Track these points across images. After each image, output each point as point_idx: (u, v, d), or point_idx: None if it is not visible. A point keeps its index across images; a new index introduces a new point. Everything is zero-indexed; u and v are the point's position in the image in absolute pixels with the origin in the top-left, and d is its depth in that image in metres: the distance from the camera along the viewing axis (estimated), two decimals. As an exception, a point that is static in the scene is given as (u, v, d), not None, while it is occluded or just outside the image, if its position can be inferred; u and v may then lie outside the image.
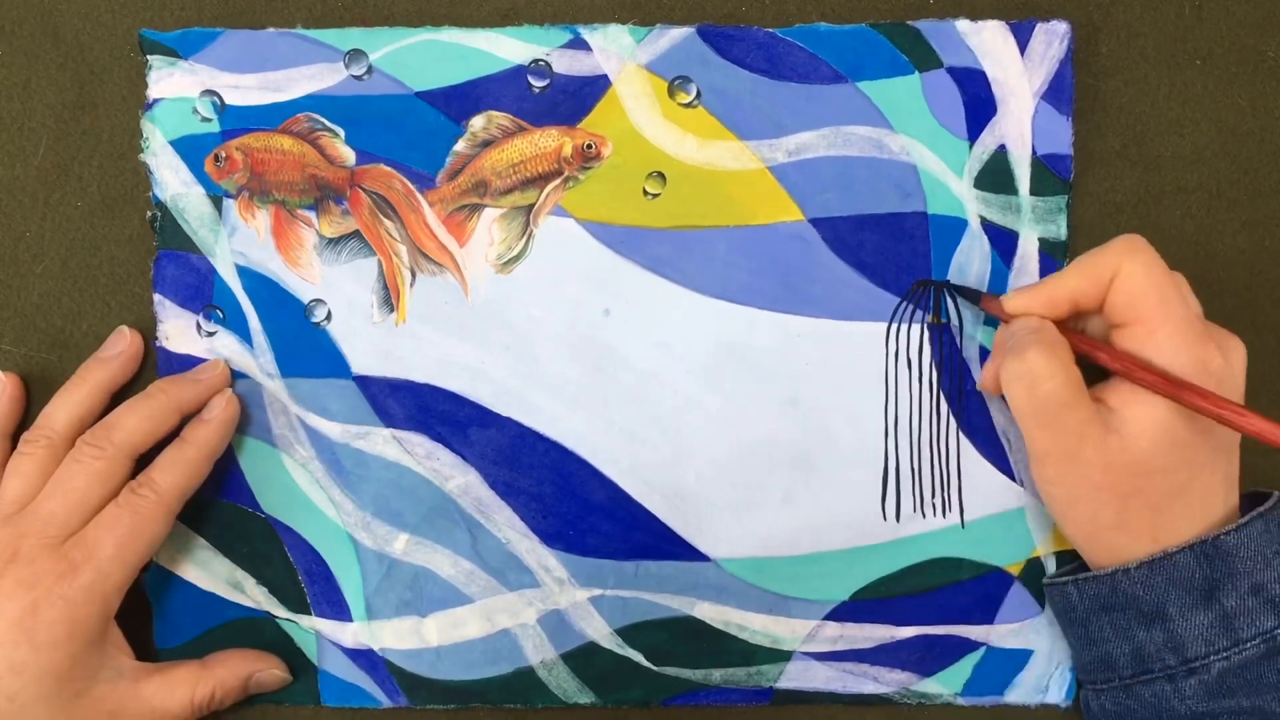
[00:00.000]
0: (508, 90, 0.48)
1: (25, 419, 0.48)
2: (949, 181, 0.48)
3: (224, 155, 0.48)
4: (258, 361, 0.48)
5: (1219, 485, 0.43)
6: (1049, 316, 0.44)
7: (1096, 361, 0.43)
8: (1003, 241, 0.48)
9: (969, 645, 0.48)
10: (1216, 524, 0.43)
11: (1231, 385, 0.43)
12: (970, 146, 0.48)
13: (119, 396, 0.47)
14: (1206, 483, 0.43)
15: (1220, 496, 0.44)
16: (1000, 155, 0.48)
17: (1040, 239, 0.48)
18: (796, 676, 0.48)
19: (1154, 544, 0.43)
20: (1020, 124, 0.47)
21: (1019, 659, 0.48)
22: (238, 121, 0.48)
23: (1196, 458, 0.42)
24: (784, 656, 0.48)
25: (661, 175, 0.48)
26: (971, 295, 0.47)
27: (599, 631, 0.48)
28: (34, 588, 0.42)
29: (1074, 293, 0.43)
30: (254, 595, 0.48)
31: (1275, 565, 0.42)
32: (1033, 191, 0.48)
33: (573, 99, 0.48)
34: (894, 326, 0.48)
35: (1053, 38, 0.47)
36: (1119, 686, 0.44)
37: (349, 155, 0.48)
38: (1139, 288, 0.42)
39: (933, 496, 0.48)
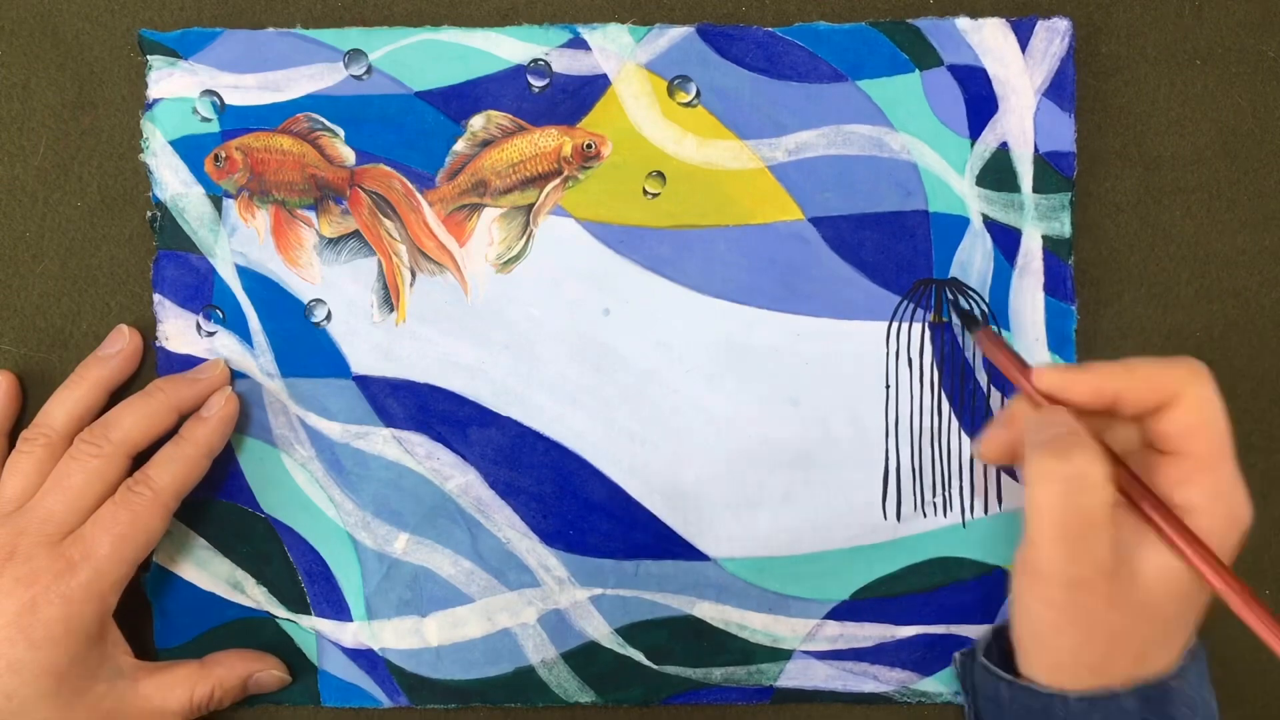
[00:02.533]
0: (507, 90, 0.48)
1: (24, 418, 0.48)
2: (950, 180, 0.48)
3: (224, 155, 0.48)
4: (257, 361, 0.48)
5: (1191, 633, 0.41)
6: (1081, 406, 0.39)
7: (1131, 504, 0.39)
8: (1006, 239, 0.48)
9: (969, 645, 0.48)
10: (1171, 662, 0.40)
11: (1242, 542, 0.39)
12: (972, 144, 0.48)
13: (118, 396, 0.47)
14: (1188, 632, 0.40)
15: (1185, 643, 0.41)
16: (1002, 153, 0.48)
17: (1044, 236, 0.48)
18: (796, 675, 0.48)
19: (1096, 677, 0.39)
20: (1022, 121, 0.47)
21: (1020, 659, 0.48)
22: (237, 121, 0.48)
23: (1192, 611, 0.40)
24: (784, 655, 0.48)
25: (661, 175, 0.48)
26: (969, 321, 0.45)
27: (599, 631, 0.48)
28: (32, 585, 0.42)
29: (1122, 395, 0.39)
30: (254, 595, 0.48)
31: (1201, 711, 0.40)
32: (1035, 189, 0.47)
33: (572, 98, 0.48)
34: (893, 325, 0.48)
35: (1054, 34, 0.47)
36: None
37: (349, 155, 0.48)
38: (1204, 423, 0.38)
39: (933, 496, 0.48)
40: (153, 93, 0.48)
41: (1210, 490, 0.38)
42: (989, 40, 0.47)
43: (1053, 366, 0.41)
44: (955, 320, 0.47)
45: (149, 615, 0.48)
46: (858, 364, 0.48)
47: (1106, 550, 0.37)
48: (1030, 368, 0.41)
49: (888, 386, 0.48)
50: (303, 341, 0.48)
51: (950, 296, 0.48)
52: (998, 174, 0.48)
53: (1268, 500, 0.49)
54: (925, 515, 0.48)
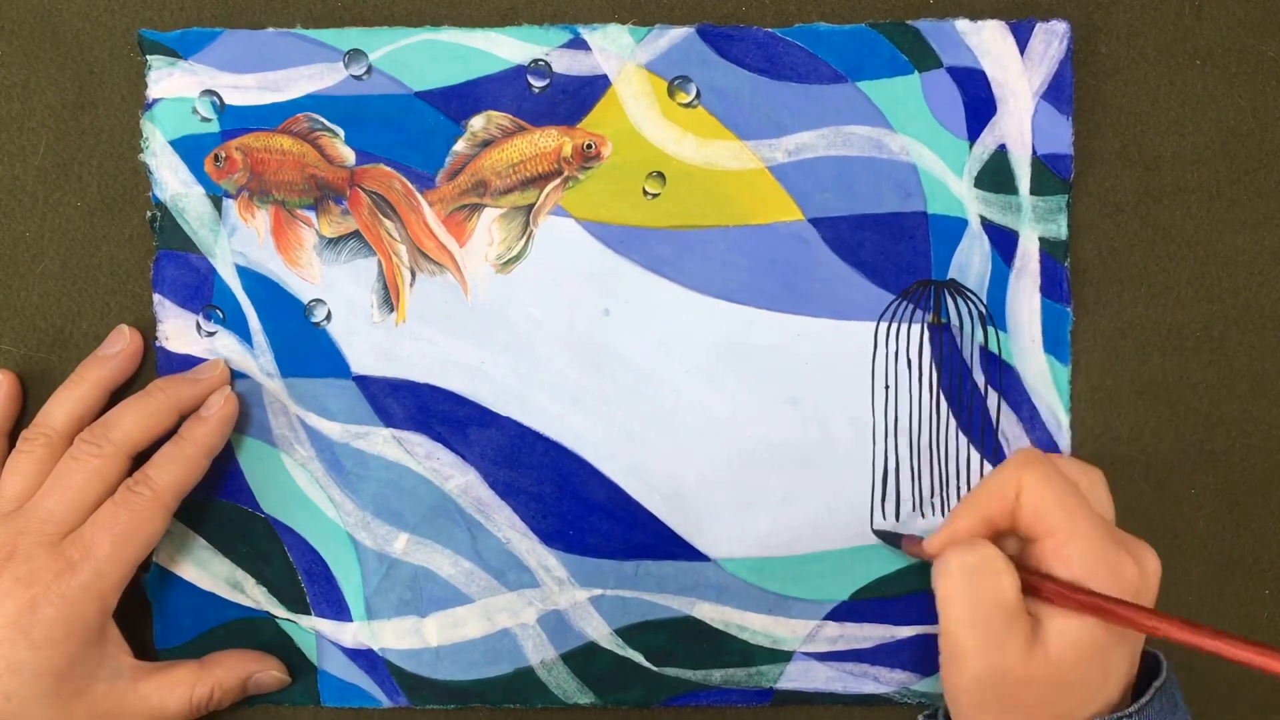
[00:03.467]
0: (507, 90, 0.48)
1: (24, 418, 0.48)
2: (949, 181, 0.48)
3: (224, 155, 0.48)
4: (257, 361, 0.48)
5: (1125, 675, 0.41)
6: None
7: (1026, 586, 0.41)
8: (1003, 241, 0.48)
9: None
10: (1114, 703, 0.41)
11: (1146, 593, 0.41)
12: (970, 146, 0.48)
13: (118, 396, 0.47)
14: (1117, 678, 0.41)
15: (1123, 683, 0.41)
16: (1000, 155, 0.48)
17: (1041, 238, 0.48)
18: (797, 677, 0.48)
19: None
20: (1020, 123, 0.47)
21: (1019, 659, 0.48)
22: (237, 121, 0.48)
23: (1112, 661, 0.40)
24: (784, 657, 0.48)
25: (661, 175, 0.48)
26: (891, 540, 0.47)
27: (599, 631, 0.48)
28: (31, 586, 0.42)
29: (986, 514, 0.41)
30: (254, 595, 0.48)
31: None
32: (1033, 191, 0.48)
33: (572, 99, 0.48)
34: (892, 325, 0.48)
35: (1052, 37, 0.47)
36: None
37: (349, 155, 0.48)
38: (1042, 501, 0.40)
39: (932, 496, 0.48)
40: (153, 93, 0.48)
41: (1078, 557, 0.40)
42: (988, 42, 0.47)
43: (924, 537, 0.43)
44: (955, 311, 0.47)
45: (149, 615, 0.48)
46: (857, 364, 0.48)
47: (1014, 631, 0.39)
48: (919, 541, 0.44)
49: (887, 387, 0.48)
50: (303, 341, 0.48)
51: (950, 299, 0.48)
52: (996, 176, 0.48)
53: (1268, 500, 0.49)
54: (924, 515, 0.48)
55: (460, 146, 0.48)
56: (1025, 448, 0.42)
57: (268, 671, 0.47)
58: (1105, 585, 0.39)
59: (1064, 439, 0.48)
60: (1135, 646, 0.42)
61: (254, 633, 0.48)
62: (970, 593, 0.40)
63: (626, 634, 0.48)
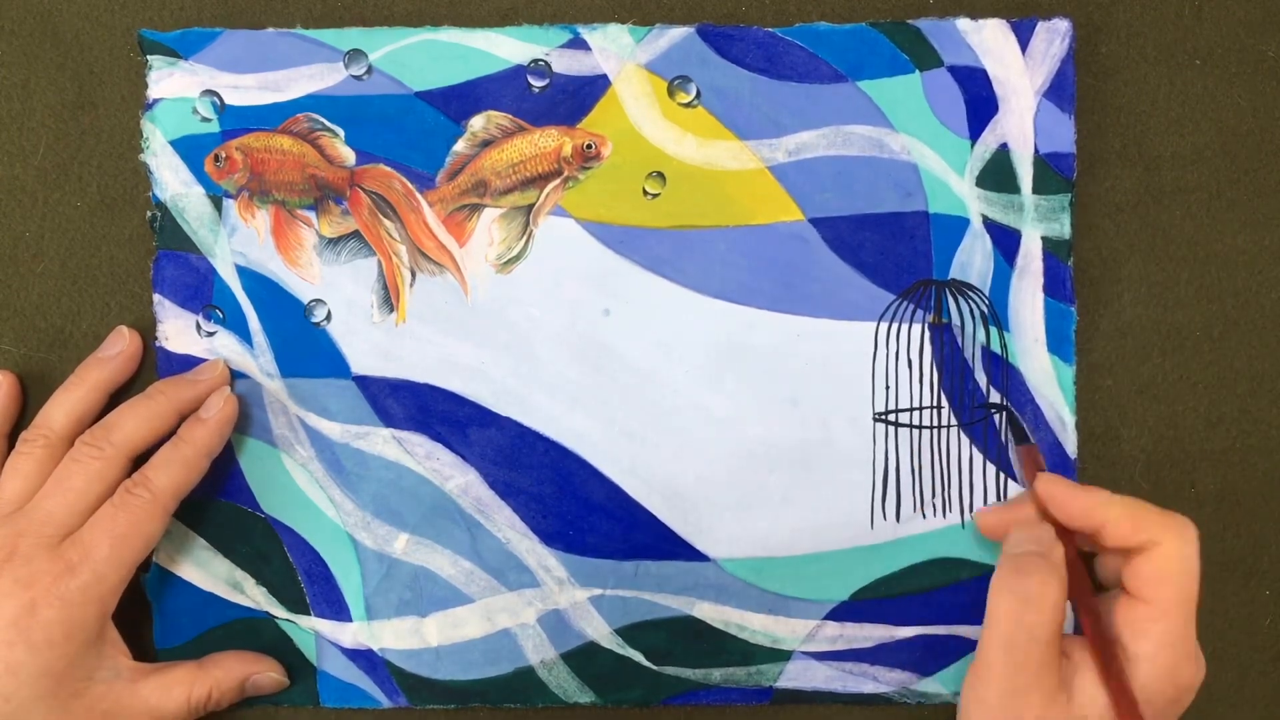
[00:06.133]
0: (507, 90, 0.48)
1: (24, 418, 0.48)
2: (950, 180, 0.48)
3: (224, 155, 0.48)
4: (257, 361, 0.48)
5: None
6: (1071, 525, 0.42)
7: (1081, 626, 0.41)
8: (1005, 240, 0.48)
9: (969, 645, 0.48)
10: None
11: (1180, 703, 0.41)
12: (972, 145, 0.48)
13: (118, 396, 0.47)
14: None
15: None
16: (1002, 154, 0.48)
17: (1044, 237, 0.48)
18: (796, 676, 0.48)
19: None
20: (1022, 122, 0.47)
21: (1020, 659, 0.48)
22: (237, 121, 0.48)
23: None
24: (784, 656, 0.48)
25: (661, 175, 0.48)
26: (1019, 434, 0.47)
27: (599, 631, 0.48)
28: (31, 587, 0.42)
29: (1110, 525, 0.41)
30: (253, 595, 0.48)
31: None
32: (1035, 190, 0.47)
33: (572, 99, 0.48)
34: (893, 326, 0.48)
35: (1054, 35, 0.47)
36: None
37: (349, 155, 0.48)
38: (1170, 574, 0.40)
39: (933, 496, 0.48)
40: (153, 93, 0.48)
41: (1159, 641, 0.40)
42: (989, 41, 0.47)
43: (1058, 479, 0.43)
44: (956, 311, 0.47)
45: (149, 616, 0.48)
46: (857, 364, 0.48)
47: (1047, 667, 0.39)
48: (1042, 470, 0.43)
49: (887, 387, 0.48)
50: (302, 341, 0.48)
51: (951, 298, 0.48)
52: (998, 175, 0.48)
53: (1268, 500, 0.49)
54: (925, 516, 0.48)
55: (460, 146, 0.48)
56: (1188, 521, 0.41)
57: (266, 673, 0.47)
58: (1157, 675, 0.39)
59: (1069, 440, 0.48)
60: None
61: (254, 633, 0.48)
62: (1015, 621, 0.40)
63: (626, 633, 0.48)
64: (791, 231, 0.48)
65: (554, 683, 0.48)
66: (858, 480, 0.48)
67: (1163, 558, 0.40)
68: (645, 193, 0.48)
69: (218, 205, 0.48)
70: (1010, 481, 0.48)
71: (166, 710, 0.45)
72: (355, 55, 0.48)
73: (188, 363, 0.48)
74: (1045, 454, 0.48)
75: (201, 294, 0.48)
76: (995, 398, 0.48)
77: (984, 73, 0.48)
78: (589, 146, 0.48)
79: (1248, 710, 0.49)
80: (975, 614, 0.48)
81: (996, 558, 0.47)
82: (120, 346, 0.47)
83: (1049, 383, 0.48)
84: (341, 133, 0.48)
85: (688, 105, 0.48)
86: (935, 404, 0.48)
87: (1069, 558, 0.42)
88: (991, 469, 0.48)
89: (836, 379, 0.48)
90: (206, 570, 0.48)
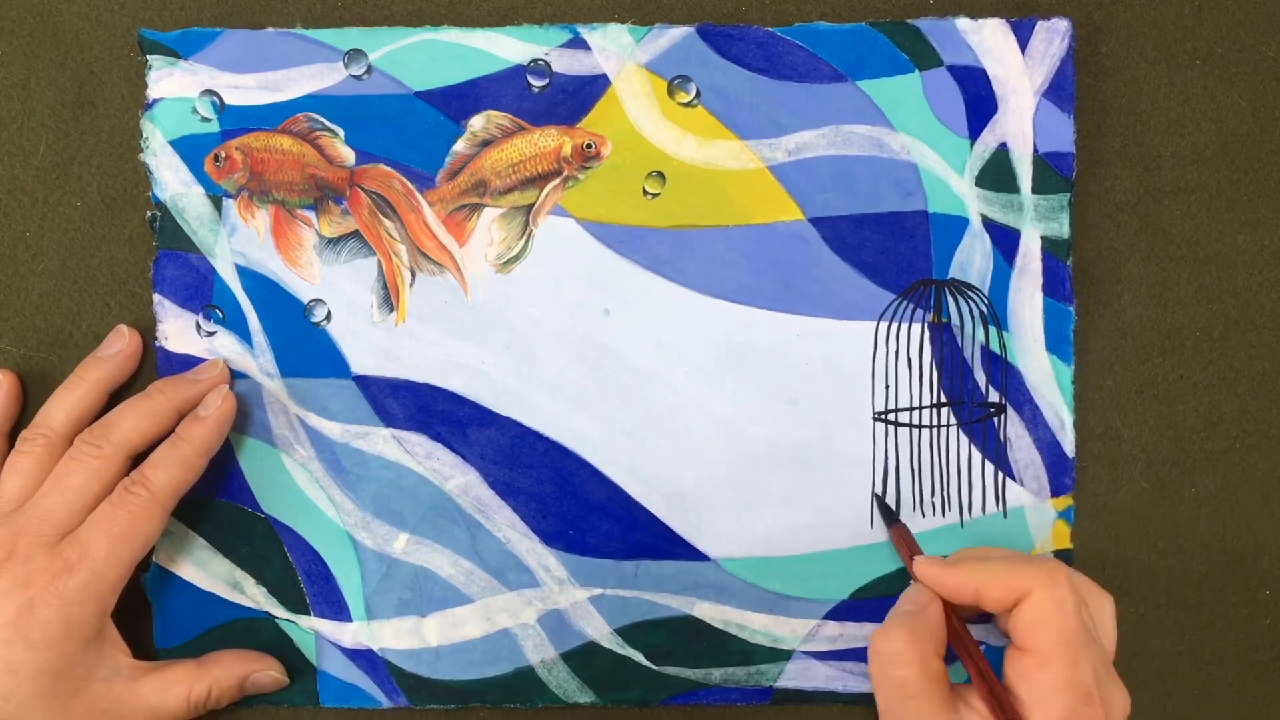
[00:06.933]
0: (507, 90, 0.48)
1: (24, 418, 0.48)
2: (950, 180, 0.48)
3: (224, 155, 0.48)
4: (257, 361, 0.48)
5: None
6: (955, 600, 0.43)
7: (965, 668, 0.42)
8: (1005, 240, 0.48)
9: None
10: None
11: None
12: (971, 145, 0.48)
13: (117, 396, 0.47)
14: None
15: None
16: (1001, 153, 0.48)
17: (1043, 237, 0.48)
18: (796, 676, 0.48)
19: None
20: (1021, 122, 0.47)
21: (1020, 659, 0.48)
22: (237, 121, 0.48)
23: None
24: (784, 656, 0.48)
25: (661, 175, 0.48)
26: (888, 515, 0.47)
27: (599, 631, 0.48)
28: (29, 586, 0.42)
29: (981, 590, 0.42)
30: (253, 595, 0.48)
31: None
32: (1034, 189, 0.48)
33: (572, 98, 0.48)
34: (892, 325, 0.48)
35: (1053, 35, 0.47)
36: None
37: (348, 155, 0.48)
38: (1044, 620, 0.40)
39: (932, 495, 0.48)
40: (153, 93, 0.48)
41: (1048, 687, 0.40)
42: (989, 41, 0.47)
43: (931, 561, 0.43)
44: (956, 311, 0.47)
45: (149, 615, 0.48)
46: (857, 364, 0.48)
47: (924, 716, 0.40)
48: (916, 556, 0.44)
49: (887, 387, 0.48)
50: (302, 341, 0.48)
51: (951, 298, 0.48)
52: (997, 174, 0.48)
53: (1268, 500, 0.49)
54: (924, 515, 0.48)
55: (460, 146, 0.48)
56: (1054, 562, 0.42)
57: (266, 671, 0.47)
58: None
59: (1068, 439, 0.48)
60: None
61: (253, 633, 0.48)
62: (881, 678, 0.42)
63: (626, 633, 0.48)
64: (791, 231, 0.48)
65: (554, 683, 0.48)
66: (857, 479, 0.48)
67: (1035, 606, 0.41)
68: (645, 192, 0.48)
69: (218, 205, 0.48)
70: (1009, 481, 0.48)
71: (166, 708, 0.45)
72: (355, 55, 0.48)
73: (188, 363, 0.48)
74: (1045, 453, 0.48)
75: (201, 294, 0.48)
76: (994, 397, 0.48)
77: (983, 72, 0.48)
78: (589, 146, 0.48)
79: (1248, 710, 0.49)
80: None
81: (996, 557, 0.48)
82: (120, 345, 0.47)
83: (1048, 382, 0.48)
84: (341, 133, 0.48)
85: (688, 105, 0.48)
86: (935, 403, 0.48)
87: (946, 612, 0.43)
88: (991, 468, 0.48)
89: (836, 379, 0.48)
90: (206, 570, 0.48)
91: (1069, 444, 0.48)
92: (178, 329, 0.48)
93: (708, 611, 0.48)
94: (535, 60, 0.48)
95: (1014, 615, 0.41)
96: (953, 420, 0.48)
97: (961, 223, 0.48)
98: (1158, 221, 0.49)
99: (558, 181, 0.48)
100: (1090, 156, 0.48)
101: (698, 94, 0.48)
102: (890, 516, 0.47)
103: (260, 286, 0.48)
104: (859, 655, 0.48)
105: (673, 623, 0.48)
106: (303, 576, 0.48)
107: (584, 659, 0.48)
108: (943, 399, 0.48)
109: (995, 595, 0.41)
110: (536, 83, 0.48)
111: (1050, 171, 0.47)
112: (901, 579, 0.48)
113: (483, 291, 0.48)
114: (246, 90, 0.48)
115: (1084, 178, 0.48)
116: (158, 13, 0.49)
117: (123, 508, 0.43)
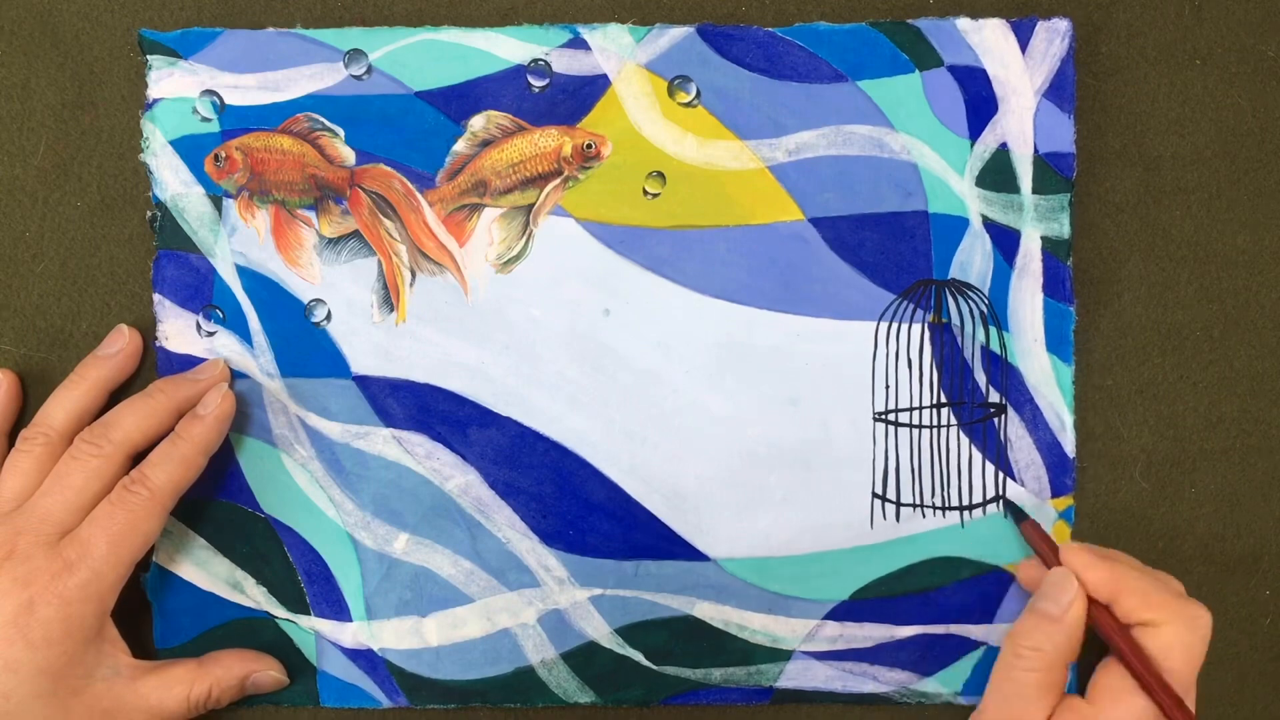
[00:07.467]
0: (507, 90, 0.48)
1: (24, 417, 0.48)
2: (950, 180, 0.48)
3: (224, 155, 0.48)
4: (257, 361, 0.48)
5: None
6: (1089, 592, 0.43)
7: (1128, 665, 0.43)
8: (1005, 240, 0.48)
9: (969, 644, 0.48)
10: None
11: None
12: (971, 145, 0.48)
13: (117, 395, 0.47)
14: None
15: None
16: (1002, 153, 0.48)
17: (1043, 237, 0.48)
18: (796, 676, 0.48)
19: None
20: (1022, 122, 0.47)
21: (1020, 659, 0.48)
22: (237, 121, 0.48)
23: None
24: (784, 656, 0.48)
25: (661, 175, 0.48)
26: (1017, 514, 0.47)
27: (599, 631, 0.48)
28: (29, 585, 0.42)
29: (1123, 595, 0.42)
30: (253, 595, 0.48)
31: None
32: (1035, 190, 0.48)
33: (572, 98, 0.48)
34: (893, 325, 0.48)
35: (1054, 35, 0.47)
36: None
37: (349, 155, 0.48)
38: (1168, 657, 0.41)
39: (932, 496, 0.48)
40: (153, 93, 0.48)
41: (1134, 712, 0.41)
42: (989, 41, 0.47)
43: (1082, 547, 0.44)
44: (956, 311, 0.47)
45: (149, 615, 0.48)
46: (857, 364, 0.48)
47: (1038, 710, 0.42)
48: (1066, 543, 0.45)
49: (887, 387, 0.48)
50: (303, 341, 0.48)
51: (951, 298, 0.48)
52: (997, 175, 0.48)
53: (1268, 500, 0.49)
54: (924, 515, 0.48)
55: (460, 146, 0.48)
56: (1201, 607, 0.42)
57: (266, 671, 0.47)
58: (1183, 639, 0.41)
59: (1068, 439, 0.48)
60: None
61: (253, 633, 0.48)
62: (1006, 670, 0.42)
63: (626, 633, 0.48)
64: (791, 231, 0.48)
65: (554, 682, 0.48)
66: (857, 480, 0.48)
67: (1165, 640, 0.42)
68: (645, 192, 0.48)
69: (218, 205, 0.48)
70: (1010, 482, 0.48)
71: (166, 708, 0.45)
72: (355, 55, 0.48)
73: (188, 363, 0.48)
74: (1045, 454, 0.48)
75: (201, 294, 0.48)
76: (995, 397, 0.48)
77: (984, 72, 0.48)
78: (589, 146, 0.48)
79: (1248, 710, 0.49)
80: (975, 613, 0.48)
81: (996, 558, 0.48)
82: (120, 345, 0.47)
83: (1048, 382, 0.48)
84: (341, 132, 0.48)
85: (688, 105, 0.48)
86: (935, 403, 0.48)
87: (1103, 612, 0.43)
88: (991, 469, 0.48)
89: (836, 379, 0.48)
90: (206, 570, 0.48)
91: (1069, 444, 0.48)
92: (178, 329, 0.48)
93: (708, 611, 0.48)
94: (535, 60, 0.48)
95: (1139, 633, 0.42)
96: (953, 420, 0.48)
97: (962, 223, 0.48)
98: (1158, 221, 0.49)
99: (558, 181, 0.48)
100: (1090, 156, 0.48)
101: (698, 94, 0.48)
102: (1020, 515, 0.47)
103: (260, 286, 0.48)
104: (859, 655, 0.48)
105: (673, 623, 0.48)
106: (303, 576, 0.48)
107: (584, 659, 0.48)
108: (943, 399, 0.48)
109: (1131, 606, 0.42)
110: (537, 83, 0.48)
111: (1050, 171, 0.47)
112: (901, 580, 0.48)
113: (483, 291, 0.48)
114: (246, 90, 0.48)
115: (1084, 178, 0.48)
116: (158, 13, 0.49)
117: (122, 507, 0.43)
